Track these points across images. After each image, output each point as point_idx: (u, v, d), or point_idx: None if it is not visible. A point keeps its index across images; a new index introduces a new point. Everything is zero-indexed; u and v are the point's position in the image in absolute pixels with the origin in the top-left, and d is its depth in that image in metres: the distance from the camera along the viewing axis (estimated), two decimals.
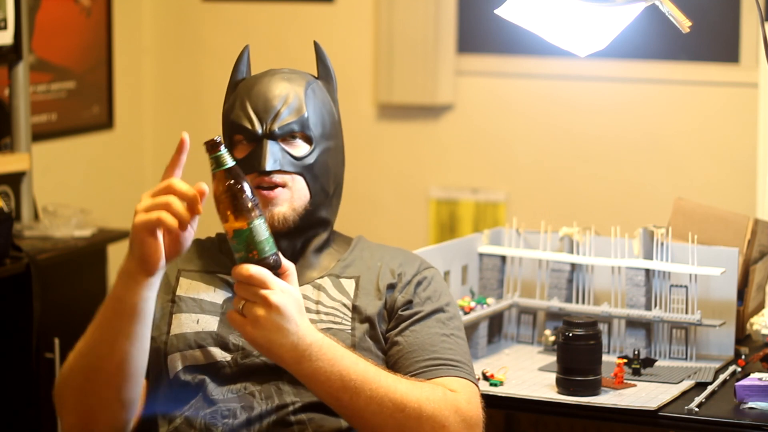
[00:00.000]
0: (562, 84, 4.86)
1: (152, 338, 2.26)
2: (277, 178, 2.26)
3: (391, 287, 2.31)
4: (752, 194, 3.78)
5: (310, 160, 2.29)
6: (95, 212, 4.13)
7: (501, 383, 2.60)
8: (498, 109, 4.96)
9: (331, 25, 5.11)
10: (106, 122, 4.97)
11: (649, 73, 4.78)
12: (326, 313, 2.27)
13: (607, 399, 2.52)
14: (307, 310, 2.24)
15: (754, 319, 2.86)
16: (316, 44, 2.41)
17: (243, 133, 2.28)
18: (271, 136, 2.27)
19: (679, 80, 4.75)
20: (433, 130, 5.04)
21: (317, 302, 2.28)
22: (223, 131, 2.34)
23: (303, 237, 2.31)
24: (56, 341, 3.61)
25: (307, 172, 2.29)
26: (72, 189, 4.77)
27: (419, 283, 2.32)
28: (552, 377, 2.60)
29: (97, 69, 4.90)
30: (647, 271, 2.80)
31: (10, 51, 3.91)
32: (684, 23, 2.43)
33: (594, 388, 2.55)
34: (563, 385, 2.55)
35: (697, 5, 4.39)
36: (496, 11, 2.49)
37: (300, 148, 2.29)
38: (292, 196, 2.27)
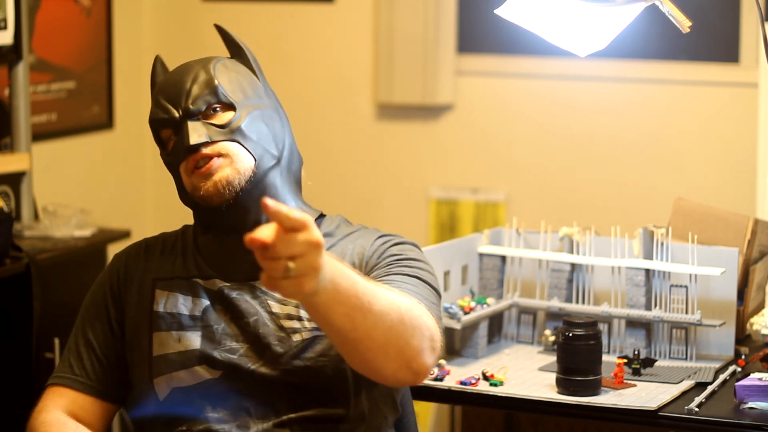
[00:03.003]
0: (562, 84, 4.86)
1: (134, 359, 2.24)
2: (209, 152, 2.19)
3: (366, 261, 2.23)
4: (752, 194, 3.78)
5: (239, 123, 2.21)
6: (95, 212, 4.13)
7: (501, 383, 2.60)
8: (498, 109, 4.96)
9: (331, 25, 5.11)
10: (106, 122, 4.97)
11: (649, 73, 4.77)
12: (309, 319, 2.19)
13: (607, 399, 2.52)
14: (289, 318, 2.20)
15: (754, 319, 2.86)
16: (216, 27, 2.39)
17: (164, 125, 2.23)
18: (188, 115, 2.21)
19: (679, 80, 4.75)
20: (433, 130, 5.04)
21: (297, 306, 2.21)
22: (154, 138, 2.29)
23: (257, 207, 2.19)
24: (56, 341, 3.61)
25: (238, 135, 2.21)
26: (72, 189, 4.77)
27: (391, 249, 2.24)
28: (552, 377, 2.60)
29: (97, 69, 4.89)
30: (647, 271, 2.80)
31: (10, 51, 3.91)
32: (684, 23, 2.43)
33: (594, 388, 2.55)
34: (563, 385, 2.55)
35: (697, 5, 4.40)
36: (496, 11, 2.49)
37: (223, 116, 2.22)
38: (233, 160, 2.20)
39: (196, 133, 2.19)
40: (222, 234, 2.25)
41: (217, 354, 2.18)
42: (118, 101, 5.02)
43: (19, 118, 3.98)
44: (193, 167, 2.20)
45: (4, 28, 3.87)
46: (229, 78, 2.26)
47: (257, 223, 2.16)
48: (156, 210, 5.30)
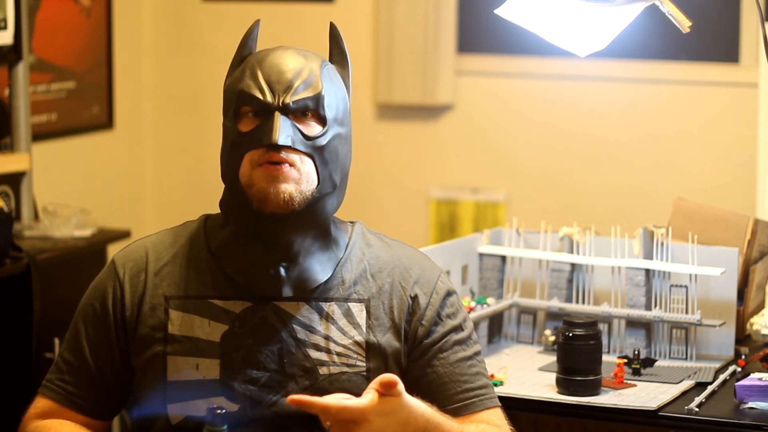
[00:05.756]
0: (562, 84, 4.86)
1: (143, 378, 2.14)
2: (286, 157, 2.07)
3: (409, 316, 2.17)
4: (752, 194, 3.78)
5: (322, 141, 2.11)
6: (95, 212, 4.13)
7: (501, 383, 2.60)
8: (498, 109, 4.96)
9: None
10: (106, 122, 4.98)
11: (649, 73, 4.78)
12: (338, 353, 2.12)
13: (607, 399, 2.52)
14: (317, 348, 2.12)
15: (754, 319, 2.86)
16: (332, 26, 2.27)
17: (252, 103, 2.10)
18: (284, 109, 2.08)
19: (679, 80, 4.75)
20: (433, 130, 5.04)
21: (326, 337, 2.13)
22: (225, 103, 2.17)
23: (304, 230, 2.12)
24: (56, 341, 3.61)
25: (317, 154, 2.10)
26: (72, 189, 4.77)
27: (438, 306, 2.19)
28: (552, 377, 2.60)
29: (97, 69, 4.90)
30: (647, 271, 2.80)
31: (10, 51, 3.92)
32: (684, 23, 2.43)
33: (594, 388, 2.55)
34: (563, 385, 2.55)
35: (697, 5, 4.40)
36: (496, 11, 2.49)
37: (312, 127, 2.11)
38: (301, 178, 2.08)
39: (284, 132, 2.07)
40: (247, 239, 2.14)
41: (237, 385, 2.09)
42: (118, 101, 5.02)
43: (19, 118, 3.98)
44: (263, 161, 2.07)
45: (4, 28, 3.87)
46: (331, 89, 2.15)
47: (290, 243, 2.12)
48: (156, 210, 5.30)
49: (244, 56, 2.20)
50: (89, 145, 4.92)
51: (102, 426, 2.21)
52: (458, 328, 2.20)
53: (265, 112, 2.10)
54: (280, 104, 2.09)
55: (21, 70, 3.97)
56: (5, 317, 3.55)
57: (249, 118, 2.12)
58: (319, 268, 2.15)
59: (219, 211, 2.23)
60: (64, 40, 4.72)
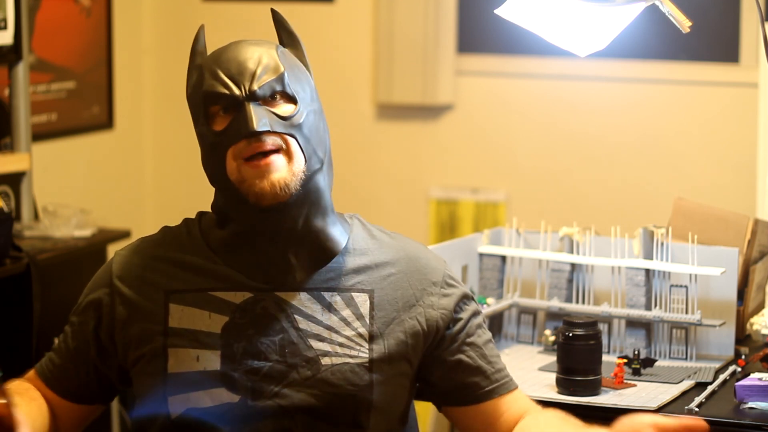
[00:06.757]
0: (562, 84, 4.86)
1: (147, 373, 2.14)
2: (270, 142, 2.07)
3: (422, 308, 2.17)
4: (752, 194, 3.78)
5: (299, 119, 2.10)
6: (95, 212, 4.13)
7: None
8: (498, 109, 4.96)
9: (330, 25, 5.11)
10: (106, 122, 4.98)
11: (649, 73, 4.78)
12: (340, 344, 2.11)
13: (607, 399, 2.53)
14: (319, 339, 2.11)
15: (754, 319, 2.86)
16: (273, 11, 2.25)
17: (220, 101, 2.09)
18: (253, 97, 2.08)
19: (679, 80, 4.75)
20: (433, 130, 5.04)
21: (329, 327, 2.12)
22: (192, 111, 2.16)
23: (303, 212, 2.12)
24: (56, 341, 3.61)
25: (297, 132, 2.09)
26: (72, 189, 4.77)
27: (453, 294, 2.21)
28: (552, 377, 2.60)
29: (97, 69, 4.90)
30: (647, 271, 2.80)
31: (10, 51, 3.92)
32: (684, 23, 2.43)
33: (594, 388, 2.55)
34: (563, 385, 2.56)
35: (697, 5, 4.40)
36: (496, 11, 2.49)
37: (284, 108, 2.11)
38: (289, 160, 2.08)
39: (260, 119, 2.06)
40: (251, 235, 2.13)
41: (238, 376, 2.09)
42: (118, 101, 5.02)
43: (19, 118, 3.98)
44: (248, 155, 2.07)
45: (4, 28, 3.87)
46: (292, 69, 2.15)
47: (293, 229, 2.11)
48: (156, 210, 5.30)
49: (198, 64, 2.17)
50: (89, 145, 4.92)
51: (71, 408, 2.24)
52: (476, 313, 2.24)
53: (235, 106, 2.09)
54: (248, 93, 2.09)
55: (21, 70, 3.97)
56: (5, 317, 3.55)
57: (221, 116, 2.11)
58: (330, 245, 2.17)
59: None
60: (64, 40, 4.72)
